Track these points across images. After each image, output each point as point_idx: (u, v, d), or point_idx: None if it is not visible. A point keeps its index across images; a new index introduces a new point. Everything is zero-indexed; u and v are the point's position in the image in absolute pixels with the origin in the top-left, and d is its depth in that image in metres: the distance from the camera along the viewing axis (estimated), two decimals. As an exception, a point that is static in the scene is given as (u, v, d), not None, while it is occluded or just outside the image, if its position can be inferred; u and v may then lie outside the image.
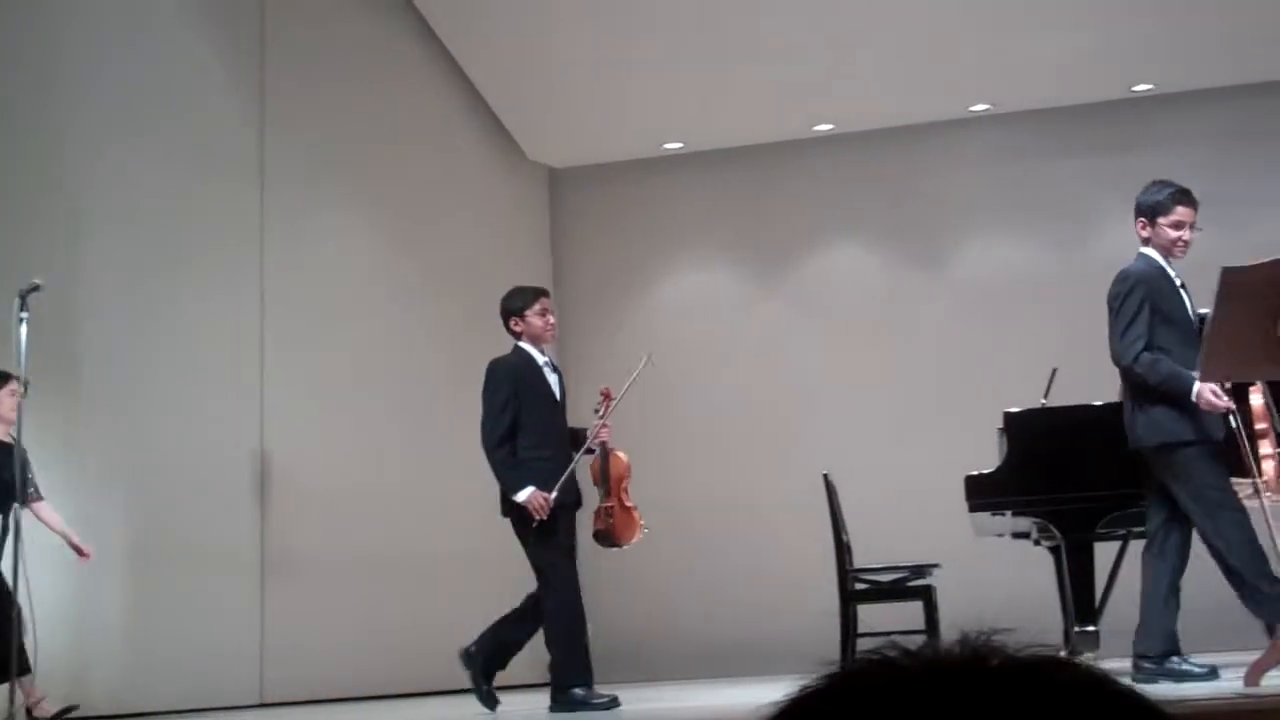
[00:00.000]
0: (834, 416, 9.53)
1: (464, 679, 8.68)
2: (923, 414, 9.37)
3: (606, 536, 6.40)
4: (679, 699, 7.00)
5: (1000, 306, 9.44)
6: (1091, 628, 5.70)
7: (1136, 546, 6.51)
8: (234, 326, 8.15)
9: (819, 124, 9.86)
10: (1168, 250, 5.41)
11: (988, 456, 6.34)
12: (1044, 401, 6.39)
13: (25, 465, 6.12)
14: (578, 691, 6.00)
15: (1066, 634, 6.15)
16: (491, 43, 9.13)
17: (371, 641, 8.31)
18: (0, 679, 6.15)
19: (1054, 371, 6.57)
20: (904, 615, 6.37)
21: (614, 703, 6.00)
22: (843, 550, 6.80)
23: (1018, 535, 6.60)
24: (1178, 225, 5.42)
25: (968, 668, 0.70)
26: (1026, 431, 5.86)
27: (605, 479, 6.34)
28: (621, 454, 6.41)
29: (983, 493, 5.99)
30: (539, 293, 6.47)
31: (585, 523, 6.50)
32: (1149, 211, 5.52)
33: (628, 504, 6.36)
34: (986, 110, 9.70)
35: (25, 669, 6.20)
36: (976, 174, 9.78)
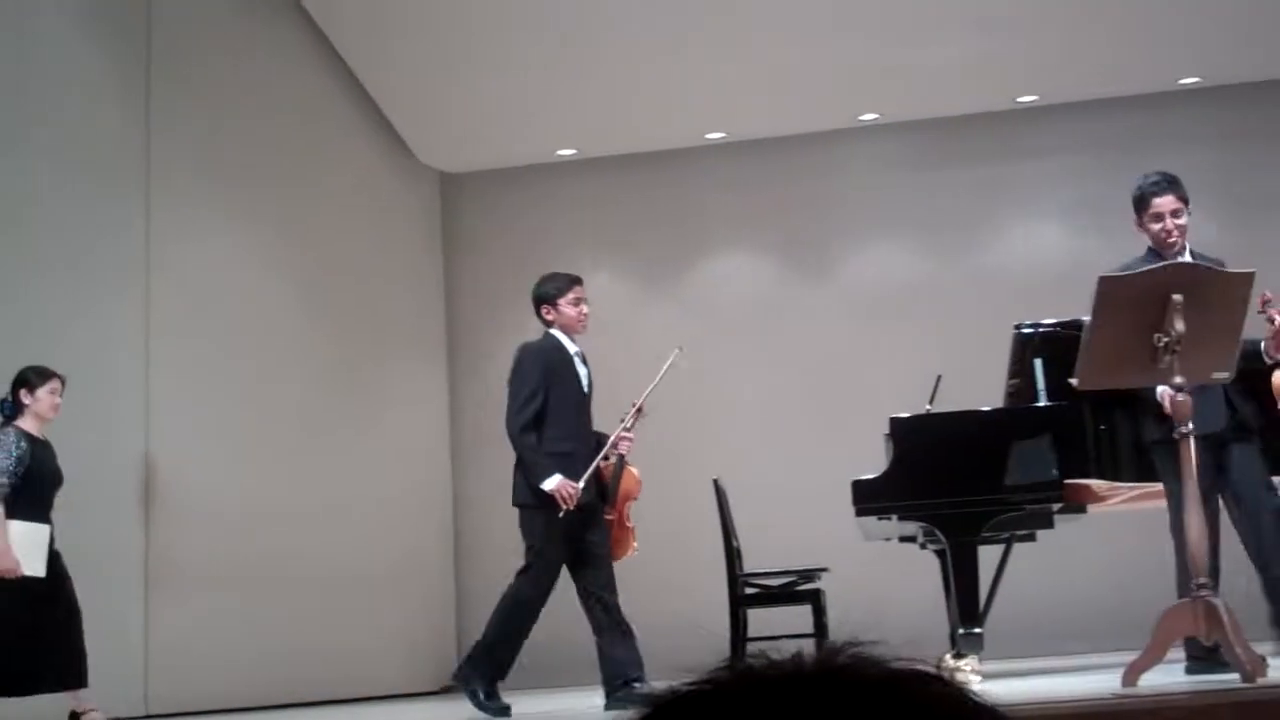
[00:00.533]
0: (724, 422, 9.60)
1: (346, 688, 8.63)
2: (812, 419, 9.47)
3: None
4: (565, 705, 6.99)
5: (887, 314, 9.57)
6: (976, 630, 5.78)
7: (1020, 550, 6.66)
8: (120, 333, 7.98)
9: (711, 132, 9.92)
10: (1160, 244, 5.38)
11: (875, 461, 6.42)
12: (929, 408, 6.48)
13: None
14: (479, 688, 5.94)
15: (952, 636, 6.26)
16: (384, 47, 9.06)
17: (257, 652, 8.20)
18: (65, 685, 6.25)
19: (938, 379, 6.67)
20: (793, 619, 6.44)
21: (505, 712, 5.97)
22: (732, 555, 6.85)
23: (905, 539, 6.70)
24: (1158, 218, 5.40)
25: (826, 680, 0.70)
26: (911, 437, 5.94)
27: (613, 492, 6.13)
28: (634, 470, 6.22)
29: (869, 497, 6.06)
30: (573, 280, 6.32)
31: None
32: (1134, 207, 5.50)
33: (627, 523, 6.18)
34: (875, 120, 9.83)
35: (83, 679, 6.29)
36: (865, 183, 9.91)
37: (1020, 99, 9.64)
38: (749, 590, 6.81)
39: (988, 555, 6.16)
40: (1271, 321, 5.03)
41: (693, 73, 9.07)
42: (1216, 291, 4.75)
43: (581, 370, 6.18)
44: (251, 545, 8.30)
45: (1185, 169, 9.57)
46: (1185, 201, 5.46)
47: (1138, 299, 4.62)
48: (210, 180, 8.57)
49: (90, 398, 7.77)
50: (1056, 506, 6.02)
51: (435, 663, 9.60)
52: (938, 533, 5.94)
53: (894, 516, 6.13)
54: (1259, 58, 9.18)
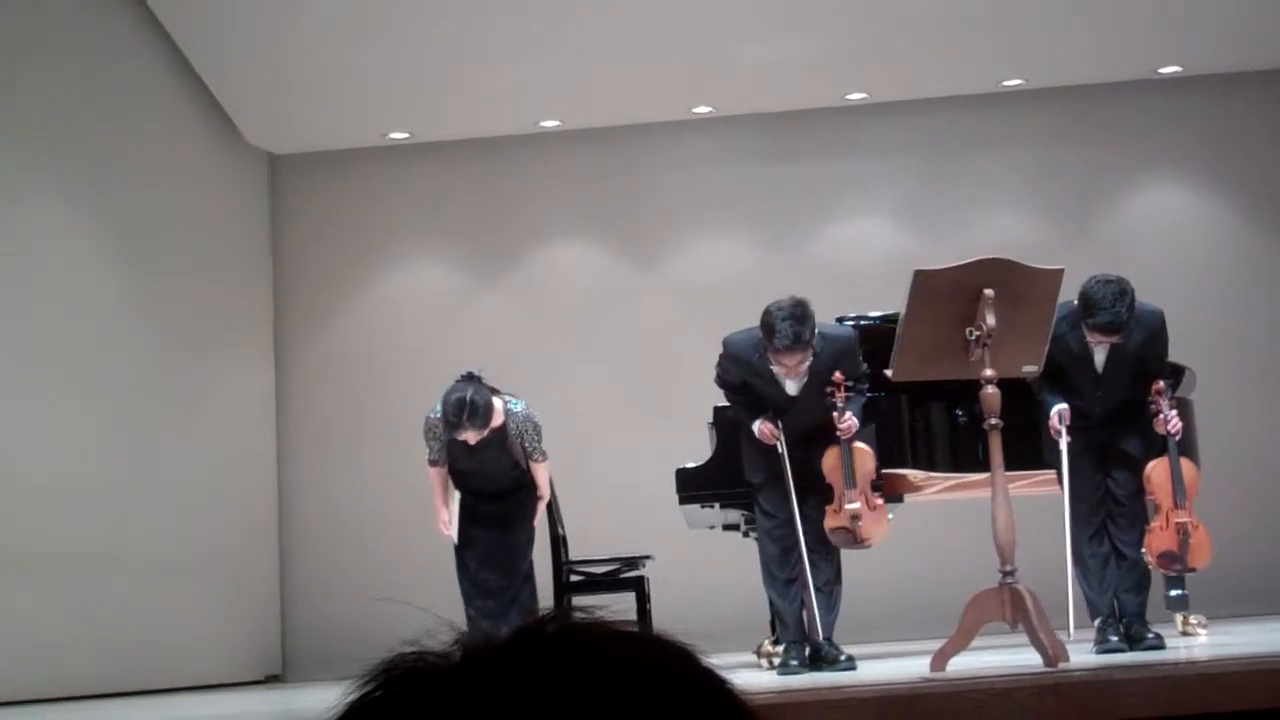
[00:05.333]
0: (553, 410, 9.56)
1: (168, 677, 8.43)
2: (640, 408, 9.52)
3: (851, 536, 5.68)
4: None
5: (716, 305, 9.62)
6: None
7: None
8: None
9: (545, 120, 9.89)
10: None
11: (701, 450, 6.48)
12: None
13: None
14: None
15: (773, 623, 6.35)
16: (211, 21, 8.80)
17: (76, 640, 7.92)
18: None
19: None
20: (618, 607, 6.46)
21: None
22: (558, 542, 6.85)
23: (728, 527, 6.77)
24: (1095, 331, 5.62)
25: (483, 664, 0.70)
26: (733, 426, 6.00)
27: (851, 474, 5.63)
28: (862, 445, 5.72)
29: (691, 485, 6.13)
30: None
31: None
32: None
33: (877, 502, 5.71)
34: (709, 113, 9.91)
35: None
36: (698, 175, 9.99)
37: (850, 96, 9.80)
38: (574, 578, 6.83)
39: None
40: (1159, 411, 5.45)
41: (527, 59, 9.02)
42: (1028, 287, 4.90)
43: None
44: (70, 531, 8.01)
45: (1005, 168, 9.94)
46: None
47: (951, 293, 4.73)
48: (26, 155, 8.23)
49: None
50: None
51: (259, 653, 9.43)
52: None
53: (716, 504, 6.20)
54: (1079, 62, 9.47)
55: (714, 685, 0.72)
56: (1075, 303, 5.49)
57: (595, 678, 0.68)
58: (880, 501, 5.65)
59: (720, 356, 5.89)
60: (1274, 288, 9.63)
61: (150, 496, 8.54)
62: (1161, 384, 5.52)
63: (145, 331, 8.86)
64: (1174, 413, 5.49)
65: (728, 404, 5.95)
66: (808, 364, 5.53)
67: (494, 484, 6.31)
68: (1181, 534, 5.48)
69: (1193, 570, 5.68)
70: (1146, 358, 5.64)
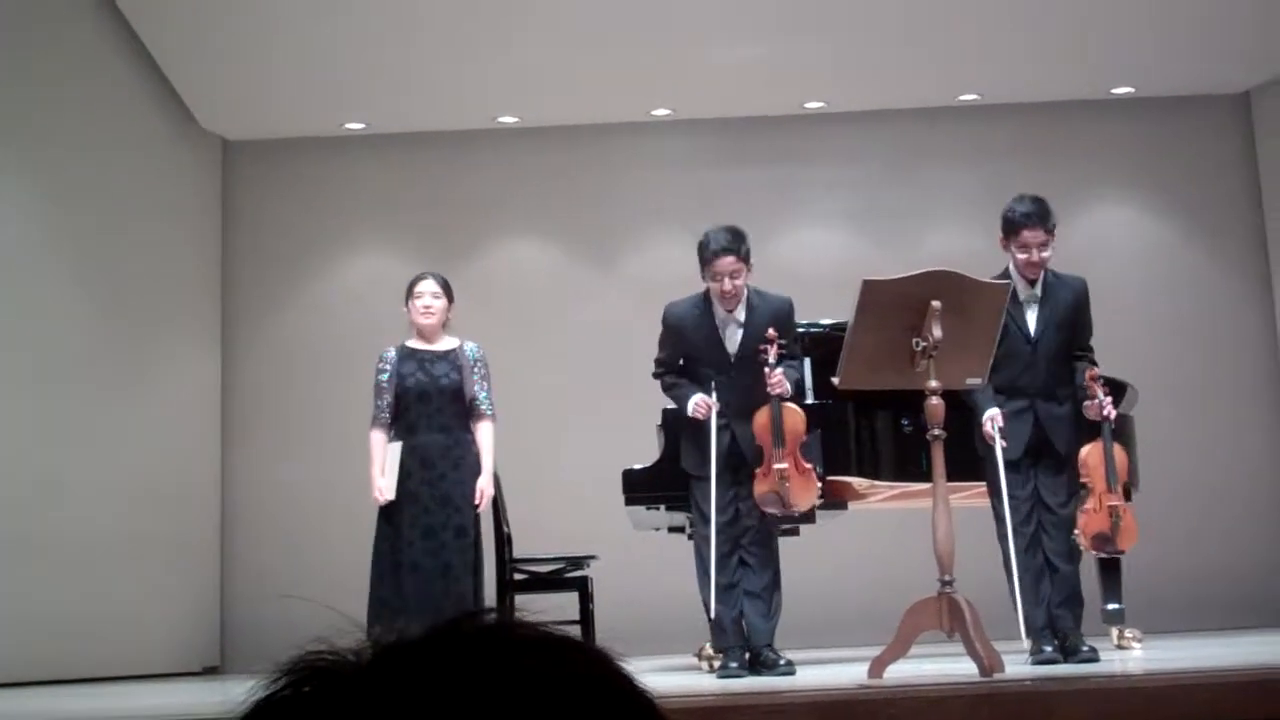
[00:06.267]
0: (502, 407, 9.55)
1: (107, 666, 8.35)
2: (590, 408, 9.52)
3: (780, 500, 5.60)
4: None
5: (669, 307, 9.67)
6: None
7: (783, 544, 6.80)
8: None
9: (504, 116, 9.88)
10: (1022, 273, 5.69)
11: (649, 452, 6.50)
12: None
13: None
14: None
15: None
16: (167, 5, 8.72)
17: (13, 627, 7.84)
18: None
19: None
20: (562, 606, 6.47)
21: None
22: (503, 541, 6.85)
23: (674, 529, 6.79)
24: (1024, 248, 5.68)
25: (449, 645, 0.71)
26: (680, 429, 6.02)
27: (780, 433, 5.59)
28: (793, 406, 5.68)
29: (638, 486, 6.15)
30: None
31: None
32: (1003, 229, 5.80)
33: (805, 465, 5.62)
34: (668, 116, 9.93)
35: None
36: (655, 177, 10.01)
37: (808, 104, 9.86)
38: (518, 576, 6.82)
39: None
40: (1094, 397, 5.54)
41: (487, 54, 9.01)
42: (974, 300, 4.95)
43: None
44: (5, 514, 7.94)
45: (959, 181, 10.02)
46: (1052, 232, 5.73)
47: (899, 303, 4.78)
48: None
49: None
50: (818, 502, 6.18)
51: (197, 644, 9.35)
52: (703, 524, 6.01)
53: (662, 507, 6.22)
54: (1034, 80, 9.57)
55: (624, 689, 0.72)
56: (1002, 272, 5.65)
57: (506, 678, 0.68)
58: (809, 466, 5.62)
59: (660, 337, 5.98)
60: (1214, 309, 9.77)
61: (89, 481, 8.46)
62: (1095, 371, 5.62)
63: (90, 314, 8.77)
64: (1108, 399, 5.58)
65: (676, 405, 5.96)
66: (743, 283, 5.77)
67: (436, 441, 6.18)
68: (1113, 516, 5.65)
69: (1122, 553, 5.86)
70: (1075, 324, 5.73)
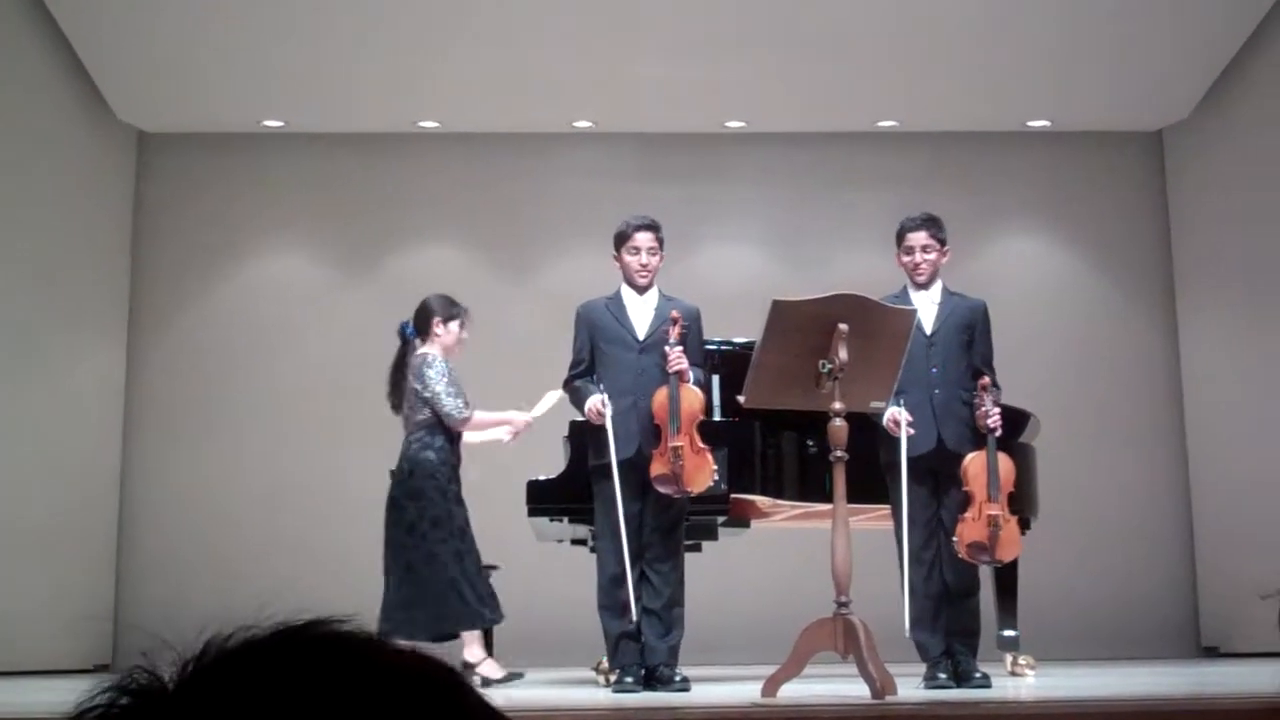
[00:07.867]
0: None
1: (2, 661, 8.15)
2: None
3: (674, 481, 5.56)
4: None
5: (583, 319, 9.66)
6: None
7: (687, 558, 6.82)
8: None
9: (424, 120, 9.83)
10: (909, 275, 5.84)
11: (555, 463, 6.48)
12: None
13: None
14: None
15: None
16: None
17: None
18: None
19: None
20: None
21: None
22: (405, 548, 6.78)
23: (576, 542, 6.78)
24: (909, 251, 5.85)
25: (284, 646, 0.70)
26: (584, 441, 6.01)
27: (677, 412, 5.58)
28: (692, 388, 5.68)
29: (542, 498, 6.14)
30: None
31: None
32: (896, 241, 5.94)
33: (700, 446, 5.59)
34: (589, 128, 9.93)
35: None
36: (573, 188, 10.00)
37: (729, 123, 9.91)
38: (418, 584, 6.76)
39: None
40: (981, 405, 5.60)
41: (408, 57, 8.96)
42: (881, 325, 4.99)
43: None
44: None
45: (873, 206, 10.12)
46: (940, 241, 5.84)
47: (807, 325, 4.81)
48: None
49: None
50: (722, 519, 6.21)
51: (88, 641, 9.17)
52: (606, 537, 6.01)
53: (565, 519, 6.21)
54: (952, 109, 9.69)
55: (463, 706, 0.72)
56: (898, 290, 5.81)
57: (331, 688, 0.68)
58: (704, 447, 5.57)
59: (573, 336, 6.02)
60: (1118, 342, 9.94)
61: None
62: (986, 379, 5.67)
63: (-4, 302, 8.60)
64: (996, 409, 5.63)
65: (583, 418, 5.94)
66: (658, 264, 6.01)
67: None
68: (992, 525, 5.62)
69: (1000, 563, 5.83)
70: (974, 334, 5.78)
